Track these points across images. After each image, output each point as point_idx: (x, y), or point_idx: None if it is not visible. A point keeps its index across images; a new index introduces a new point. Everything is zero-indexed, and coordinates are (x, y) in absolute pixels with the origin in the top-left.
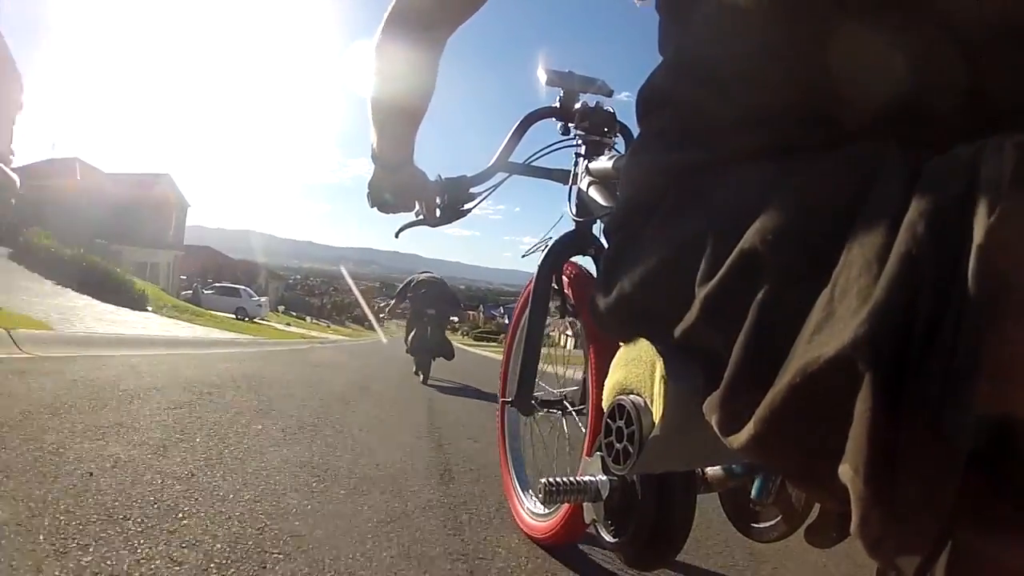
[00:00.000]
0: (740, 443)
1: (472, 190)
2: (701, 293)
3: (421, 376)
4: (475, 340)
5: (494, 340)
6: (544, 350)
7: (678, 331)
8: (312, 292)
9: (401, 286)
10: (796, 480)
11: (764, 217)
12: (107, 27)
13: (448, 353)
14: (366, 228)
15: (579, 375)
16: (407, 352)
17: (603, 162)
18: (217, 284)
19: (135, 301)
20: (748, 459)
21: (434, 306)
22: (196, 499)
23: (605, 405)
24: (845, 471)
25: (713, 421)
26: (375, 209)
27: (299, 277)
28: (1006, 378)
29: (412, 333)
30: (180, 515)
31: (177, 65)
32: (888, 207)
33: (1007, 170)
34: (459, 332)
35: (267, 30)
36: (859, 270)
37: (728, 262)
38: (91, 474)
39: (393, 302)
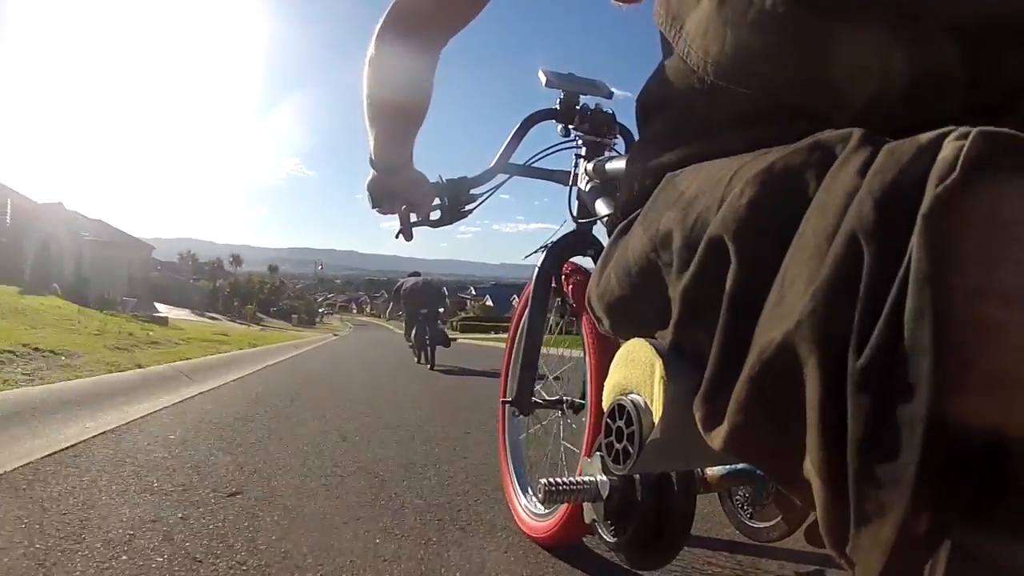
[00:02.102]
0: (718, 441)
1: (473, 191)
2: (678, 289)
3: (428, 365)
4: (462, 331)
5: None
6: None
7: (669, 329)
8: (201, 271)
9: (394, 289)
10: (775, 479)
11: (727, 205)
12: (28, 27)
13: (445, 342)
14: (302, 228)
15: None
16: (409, 345)
17: (603, 163)
18: None
19: None
20: (730, 458)
21: (425, 305)
22: None
23: (605, 405)
24: (808, 467)
25: (697, 419)
26: (375, 211)
27: (187, 252)
28: (964, 371)
29: (414, 330)
30: None
31: (106, 80)
32: (842, 189)
33: (968, 151)
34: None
35: (194, 32)
36: (808, 253)
37: (697, 256)
38: None
39: (392, 305)
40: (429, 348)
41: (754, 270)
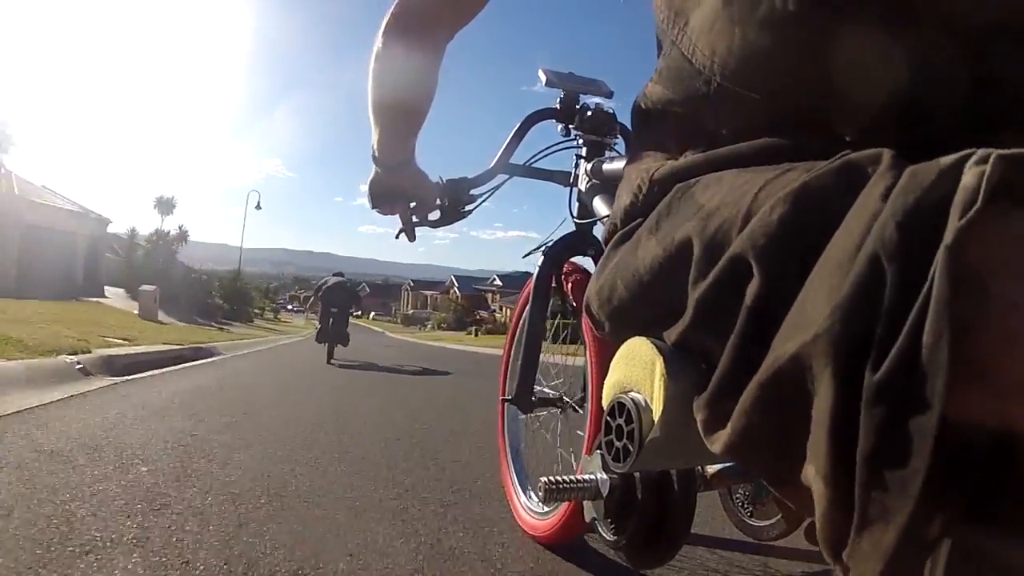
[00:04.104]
0: (720, 444)
1: (473, 191)
2: (694, 296)
3: (327, 357)
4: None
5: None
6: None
7: (674, 334)
8: None
9: (315, 287)
10: (772, 483)
11: (757, 220)
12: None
13: (344, 341)
14: (280, 229)
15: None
16: (317, 341)
17: (603, 163)
18: None
19: None
20: (729, 460)
21: (336, 304)
22: None
23: (605, 403)
24: (809, 472)
25: (699, 421)
26: (375, 211)
27: None
28: (978, 384)
29: (320, 326)
30: None
31: (103, 70)
32: (867, 211)
33: (989, 178)
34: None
35: (178, 25)
36: (830, 270)
37: (718, 267)
38: None
39: (312, 301)
40: (330, 344)
41: (778, 286)
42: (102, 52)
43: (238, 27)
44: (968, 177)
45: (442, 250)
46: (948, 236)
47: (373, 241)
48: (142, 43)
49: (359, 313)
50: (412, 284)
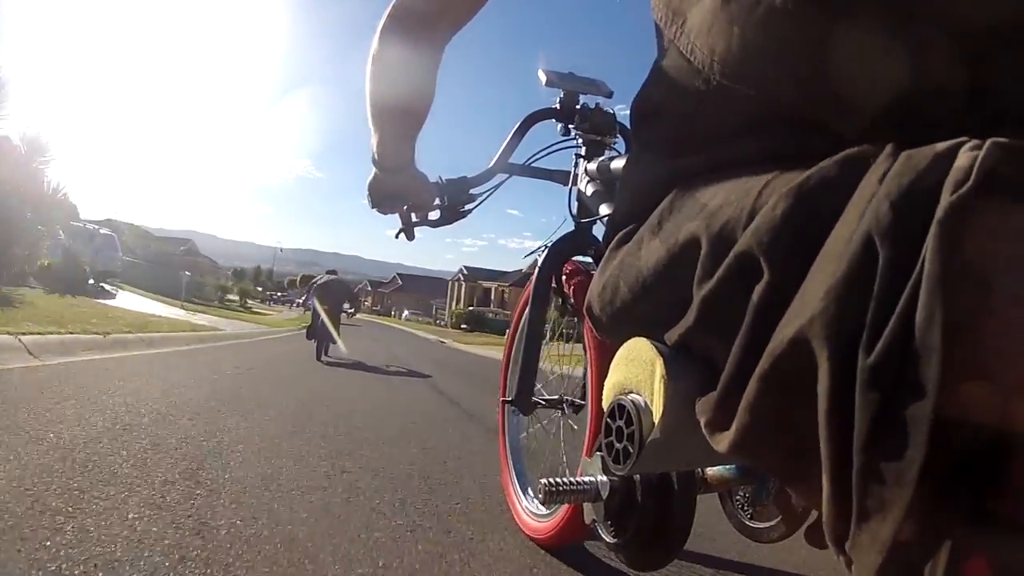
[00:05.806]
0: (725, 443)
1: (472, 191)
2: (698, 296)
3: (317, 354)
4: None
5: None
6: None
7: (676, 334)
8: None
9: (309, 285)
10: (783, 479)
11: (761, 217)
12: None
13: (332, 339)
14: (308, 229)
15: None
16: (307, 338)
17: (603, 163)
18: None
19: None
20: (735, 459)
21: (327, 302)
22: None
23: (605, 405)
24: (816, 462)
25: (703, 422)
26: (375, 211)
27: None
28: (973, 377)
29: (312, 323)
30: None
31: (129, 68)
32: (866, 195)
33: (983, 161)
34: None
35: (211, 28)
36: (830, 257)
37: (724, 265)
38: None
39: (304, 298)
40: (319, 342)
41: (784, 281)
42: (130, 45)
43: (270, 25)
44: (962, 159)
45: (470, 257)
46: (940, 211)
47: (401, 246)
48: (172, 39)
49: (353, 311)
50: (466, 273)
